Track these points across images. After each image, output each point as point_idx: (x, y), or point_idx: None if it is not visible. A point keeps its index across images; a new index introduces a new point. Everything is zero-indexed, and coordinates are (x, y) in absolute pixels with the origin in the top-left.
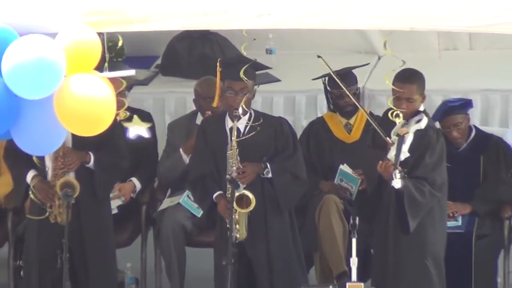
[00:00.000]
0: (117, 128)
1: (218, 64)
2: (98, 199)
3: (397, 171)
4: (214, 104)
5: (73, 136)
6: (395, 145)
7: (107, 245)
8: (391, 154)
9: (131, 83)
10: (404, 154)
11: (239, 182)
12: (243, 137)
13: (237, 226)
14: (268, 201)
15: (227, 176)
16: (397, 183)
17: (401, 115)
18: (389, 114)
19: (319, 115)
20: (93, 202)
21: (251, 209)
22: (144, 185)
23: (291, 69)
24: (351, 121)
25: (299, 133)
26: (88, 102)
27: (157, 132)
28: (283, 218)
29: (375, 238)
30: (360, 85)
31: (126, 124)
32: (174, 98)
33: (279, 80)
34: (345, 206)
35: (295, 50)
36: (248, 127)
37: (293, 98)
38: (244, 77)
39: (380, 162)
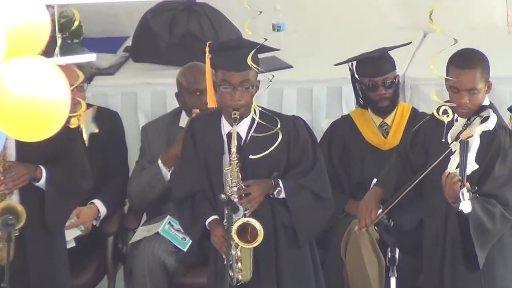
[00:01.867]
0: (74, 134)
1: (207, 49)
2: (49, 231)
3: (465, 189)
4: (211, 104)
5: (18, 145)
6: (456, 153)
7: None
8: (452, 165)
9: (92, 72)
10: (472, 166)
11: (238, 205)
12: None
13: (239, 264)
14: (281, 231)
15: (222, 196)
16: (466, 206)
17: (450, 111)
18: (435, 111)
19: (345, 112)
20: (42, 235)
21: (258, 244)
22: (111, 209)
23: (306, 52)
24: (388, 120)
25: (318, 137)
26: (32, 97)
27: (128, 138)
28: (302, 253)
29: (425, 276)
30: (399, 72)
31: None
32: (150, 92)
33: (290, 67)
34: (380, 235)
35: (311, 26)
36: (251, 132)
37: (310, 90)
38: (252, 63)
39: (447, 173)
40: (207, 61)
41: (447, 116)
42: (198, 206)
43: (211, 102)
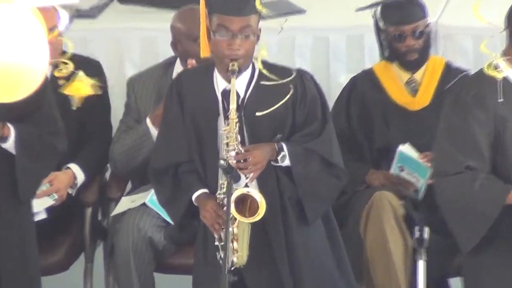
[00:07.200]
0: (47, 88)
1: None
2: (19, 200)
3: None
4: (204, 53)
5: None
6: None
7: (28, 269)
8: None
9: (71, 15)
10: None
11: (240, 173)
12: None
13: (235, 244)
14: (289, 205)
15: (221, 162)
16: None
17: (502, 65)
18: (486, 67)
19: (367, 66)
20: (11, 204)
21: (259, 218)
22: (90, 175)
23: None
24: (417, 76)
25: (335, 93)
26: (4, 49)
27: (111, 93)
28: (314, 230)
29: (467, 260)
30: (431, 19)
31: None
32: (139, 38)
33: (303, 11)
34: (407, 210)
35: None
36: (251, 88)
37: (326, 39)
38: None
39: None
40: (202, 2)
41: (499, 72)
42: (183, 179)
43: (204, 51)
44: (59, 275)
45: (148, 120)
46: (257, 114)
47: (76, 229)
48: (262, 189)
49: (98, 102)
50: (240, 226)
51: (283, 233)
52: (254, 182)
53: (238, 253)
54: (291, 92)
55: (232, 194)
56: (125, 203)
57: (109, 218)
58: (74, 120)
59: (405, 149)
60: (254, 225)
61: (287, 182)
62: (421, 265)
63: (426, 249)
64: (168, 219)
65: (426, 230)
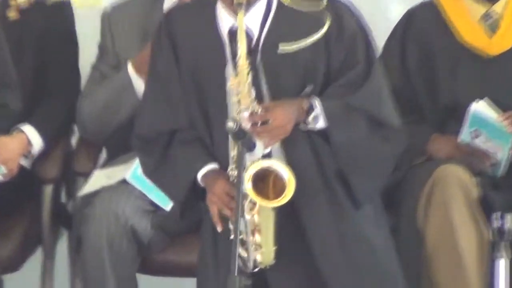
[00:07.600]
0: None
1: None
2: None
3: None
4: None
5: None
6: None
7: None
8: None
9: None
10: None
11: (255, 139)
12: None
13: (257, 237)
14: (333, 179)
15: (229, 124)
16: None
17: None
18: None
19: None
20: None
21: (286, 202)
22: (50, 141)
23: None
24: (497, 8)
25: (385, 32)
26: None
27: (81, 31)
28: (361, 214)
29: None
30: None
31: None
32: None
33: None
34: (483, 191)
35: None
36: (268, 24)
37: None
38: None
39: None
40: None
41: None
42: (182, 151)
43: None
44: (7, 277)
45: (130, 66)
46: (281, 48)
47: (31, 215)
48: (290, 160)
49: (62, 42)
50: (262, 213)
51: (324, 220)
52: (279, 151)
53: (262, 248)
54: (327, 24)
55: (244, 166)
56: (98, 180)
57: (76, 200)
58: (29, 67)
59: (481, 107)
60: (280, 210)
61: (324, 149)
62: (501, 264)
63: (509, 243)
64: (157, 201)
65: (509, 218)
